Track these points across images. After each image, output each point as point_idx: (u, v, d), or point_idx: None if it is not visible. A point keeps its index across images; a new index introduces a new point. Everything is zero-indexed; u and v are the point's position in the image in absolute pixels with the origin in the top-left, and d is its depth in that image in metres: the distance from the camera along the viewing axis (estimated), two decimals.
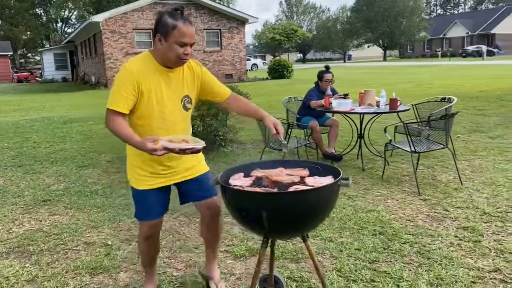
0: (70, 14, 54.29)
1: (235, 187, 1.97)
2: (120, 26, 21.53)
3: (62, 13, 52.71)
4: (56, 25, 56.77)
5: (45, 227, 3.77)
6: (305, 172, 2.19)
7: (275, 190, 2.00)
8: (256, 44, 69.12)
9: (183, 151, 1.97)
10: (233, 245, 3.23)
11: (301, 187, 1.98)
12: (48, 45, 43.99)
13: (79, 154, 6.66)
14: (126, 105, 2.12)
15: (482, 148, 5.83)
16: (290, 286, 2.60)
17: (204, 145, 2.00)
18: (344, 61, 61.33)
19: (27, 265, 3.07)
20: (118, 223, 3.78)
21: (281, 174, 2.17)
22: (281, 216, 1.88)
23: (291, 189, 1.96)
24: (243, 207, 1.94)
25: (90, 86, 23.43)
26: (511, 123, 7.51)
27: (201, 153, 2.31)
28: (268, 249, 2.17)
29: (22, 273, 2.94)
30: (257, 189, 1.96)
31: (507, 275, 2.63)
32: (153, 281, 2.61)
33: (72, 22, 55.51)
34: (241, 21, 24.46)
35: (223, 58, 24.30)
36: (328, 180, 2.05)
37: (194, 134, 6.39)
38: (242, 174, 2.21)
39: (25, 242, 3.47)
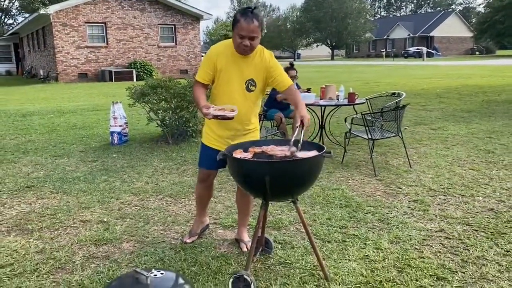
0: (10, 4, 51.71)
1: (242, 158, 2.41)
2: (71, 19, 21.07)
3: (1, 3, 50.12)
4: None
5: (37, 209, 4.00)
6: (293, 148, 2.66)
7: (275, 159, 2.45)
8: (207, 40, 69.01)
9: (215, 117, 2.50)
10: (220, 218, 3.66)
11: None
12: None
13: (49, 145, 6.76)
14: (206, 77, 2.75)
15: (426, 138, 6.59)
16: (276, 247, 3.07)
17: (235, 114, 2.52)
18: (294, 60, 62.71)
19: (31, 240, 3.33)
20: (108, 204, 4.08)
21: (274, 150, 2.63)
22: (280, 181, 2.33)
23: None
24: (249, 174, 2.37)
25: (39, 80, 22.70)
26: (449, 117, 8.42)
27: (257, 130, 2.98)
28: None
29: (29, 246, 3.20)
30: (260, 159, 2.41)
31: (449, 233, 3.25)
32: (201, 222, 3.28)
33: (13, 13, 52.89)
34: (196, 17, 24.63)
35: (177, 53, 24.37)
36: (313, 153, 2.52)
37: (165, 125, 6.68)
38: (241, 150, 2.64)
39: (21, 222, 3.70)
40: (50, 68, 22.61)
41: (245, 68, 2.75)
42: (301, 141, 2.50)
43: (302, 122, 2.56)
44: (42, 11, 19.21)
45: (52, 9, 20.38)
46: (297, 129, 2.54)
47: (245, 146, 2.68)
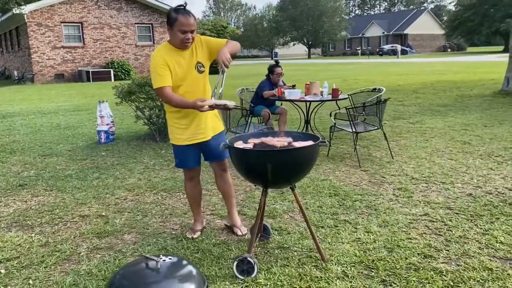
0: None
1: (245, 148, 2.57)
2: (46, 19, 20.76)
3: None
4: None
5: (34, 206, 4.06)
6: (290, 139, 2.83)
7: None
8: None
9: (232, 107, 2.69)
10: (217, 209, 3.81)
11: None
12: None
13: (35, 145, 6.76)
14: (167, 78, 2.81)
15: (405, 131, 6.88)
16: (273, 233, 3.24)
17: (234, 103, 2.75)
18: (272, 58, 62.98)
19: (33, 234, 3.40)
20: (103, 200, 4.17)
21: (273, 141, 2.79)
22: (281, 168, 2.50)
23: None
24: (252, 162, 2.53)
25: (14, 81, 22.26)
26: (426, 111, 8.76)
27: (219, 119, 3.13)
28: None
29: (33, 240, 3.28)
30: (263, 149, 2.57)
31: (433, 217, 3.48)
32: (200, 220, 3.35)
33: None
34: None
35: None
36: (309, 143, 2.70)
37: (152, 123, 6.74)
38: (241, 141, 2.80)
39: (20, 218, 3.76)
40: (25, 69, 22.20)
41: (189, 57, 2.92)
42: (222, 87, 2.82)
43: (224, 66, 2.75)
44: (17, 11, 18.88)
45: (26, 9, 20.01)
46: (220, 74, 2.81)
47: (245, 139, 2.84)
